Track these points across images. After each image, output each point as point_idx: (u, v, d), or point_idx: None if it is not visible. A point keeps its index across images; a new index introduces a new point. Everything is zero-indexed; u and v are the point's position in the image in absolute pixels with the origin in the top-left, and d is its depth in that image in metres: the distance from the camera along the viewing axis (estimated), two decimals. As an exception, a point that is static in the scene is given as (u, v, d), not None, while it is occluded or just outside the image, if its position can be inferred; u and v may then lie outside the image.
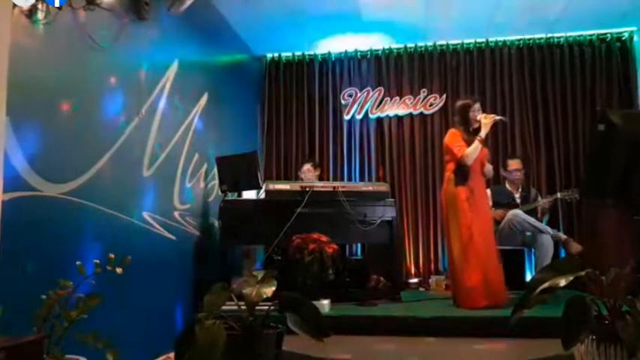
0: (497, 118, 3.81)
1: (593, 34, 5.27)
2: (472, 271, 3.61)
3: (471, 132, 3.80)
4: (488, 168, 3.89)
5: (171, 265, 3.33)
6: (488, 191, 4.36)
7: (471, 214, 3.64)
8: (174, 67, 3.47)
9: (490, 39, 5.42)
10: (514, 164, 4.69)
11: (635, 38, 5.20)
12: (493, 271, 3.62)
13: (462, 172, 3.72)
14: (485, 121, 3.74)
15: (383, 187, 4.24)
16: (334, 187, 4.00)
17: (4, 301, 1.65)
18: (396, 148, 5.50)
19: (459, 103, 3.95)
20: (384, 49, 5.60)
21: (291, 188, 4.00)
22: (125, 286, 2.52)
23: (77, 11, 2.38)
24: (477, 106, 3.84)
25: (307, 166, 5.00)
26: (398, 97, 5.51)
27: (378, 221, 3.95)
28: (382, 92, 5.53)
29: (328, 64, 5.72)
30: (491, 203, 4.38)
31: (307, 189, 3.92)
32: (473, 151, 3.68)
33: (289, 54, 5.75)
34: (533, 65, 5.33)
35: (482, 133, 3.72)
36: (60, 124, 2.32)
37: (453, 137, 3.80)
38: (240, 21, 4.79)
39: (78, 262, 1.82)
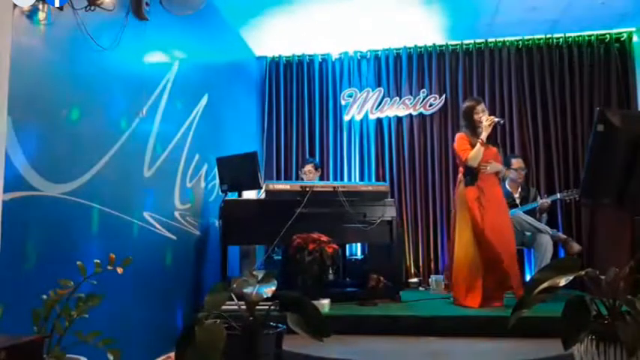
0: (496, 120, 3.84)
1: (592, 35, 5.27)
2: (476, 270, 3.63)
3: (477, 134, 3.84)
4: (495, 167, 3.87)
5: (172, 265, 3.34)
6: None
7: (480, 213, 3.69)
8: (174, 68, 3.47)
9: (489, 39, 5.43)
10: (518, 163, 4.70)
11: (634, 39, 5.20)
12: (505, 267, 3.62)
13: (471, 174, 3.82)
14: (485, 123, 3.80)
15: (383, 187, 4.24)
16: (334, 187, 4.00)
17: (4, 300, 1.66)
18: (396, 148, 5.51)
19: (463, 106, 4.03)
20: (383, 50, 5.60)
21: (291, 188, 4.00)
22: (126, 286, 2.53)
23: (78, 11, 2.38)
24: (481, 107, 3.88)
25: (308, 167, 5.01)
26: (397, 98, 5.52)
27: (378, 221, 3.95)
28: (382, 92, 5.54)
29: (328, 64, 5.73)
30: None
31: (307, 189, 3.92)
32: (475, 154, 3.76)
33: (289, 54, 5.75)
34: (532, 66, 5.33)
35: (483, 136, 3.79)
36: (61, 124, 2.32)
37: (459, 141, 3.90)
38: (241, 21, 4.80)
39: (78, 262, 1.82)
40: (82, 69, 2.48)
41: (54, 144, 2.26)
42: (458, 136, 3.96)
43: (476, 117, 3.85)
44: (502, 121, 3.92)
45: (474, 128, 3.87)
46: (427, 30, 5.19)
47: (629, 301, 1.86)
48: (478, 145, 3.76)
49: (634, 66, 5.15)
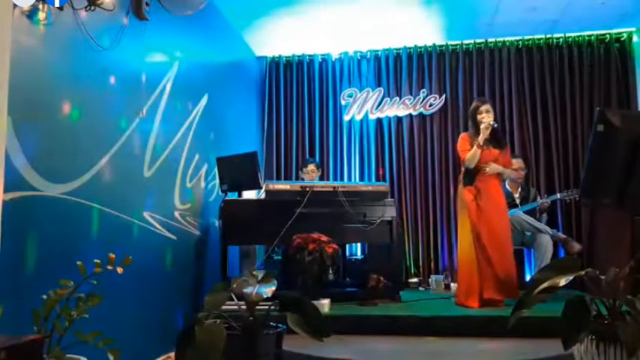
0: (490, 123, 3.84)
1: (592, 35, 5.27)
2: (475, 270, 3.65)
3: (479, 135, 3.84)
4: (495, 169, 3.87)
5: (172, 265, 3.34)
6: None
7: (477, 213, 3.71)
8: (174, 68, 3.47)
9: (489, 39, 5.43)
10: (518, 163, 4.70)
11: (634, 39, 5.20)
12: (499, 270, 3.63)
13: (470, 174, 3.85)
14: (482, 126, 3.82)
15: (383, 187, 4.24)
16: (334, 187, 4.00)
17: (4, 300, 1.66)
18: (396, 148, 5.51)
19: (470, 107, 4.03)
20: (383, 50, 5.60)
21: (291, 188, 4.00)
22: (126, 286, 2.53)
23: (78, 11, 2.38)
24: (484, 107, 3.89)
25: (311, 167, 5.02)
26: (397, 98, 5.52)
27: (378, 221, 3.95)
28: (382, 92, 5.54)
29: (328, 64, 5.73)
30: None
31: (307, 189, 3.92)
32: (471, 156, 3.79)
33: (289, 54, 5.75)
34: (532, 66, 5.33)
35: (480, 138, 3.80)
36: (61, 124, 2.32)
37: (460, 142, 3.94)
38: (241, 21, 4.80)
39: (78, 262, 1.82)
40: (82, 69, 2.48)
41: (54, 144, 2.26)
42: (460, 136, 4.01)
43: (479, 117, 3.87)
44: (495, 125, 3.90)
45: (477, 129, 3.88)
46: (427, 30, 5.19)
47: (629, 301, 1.87)
48: (475, 147, 3.78)
49: (634, 66, 5.15)
